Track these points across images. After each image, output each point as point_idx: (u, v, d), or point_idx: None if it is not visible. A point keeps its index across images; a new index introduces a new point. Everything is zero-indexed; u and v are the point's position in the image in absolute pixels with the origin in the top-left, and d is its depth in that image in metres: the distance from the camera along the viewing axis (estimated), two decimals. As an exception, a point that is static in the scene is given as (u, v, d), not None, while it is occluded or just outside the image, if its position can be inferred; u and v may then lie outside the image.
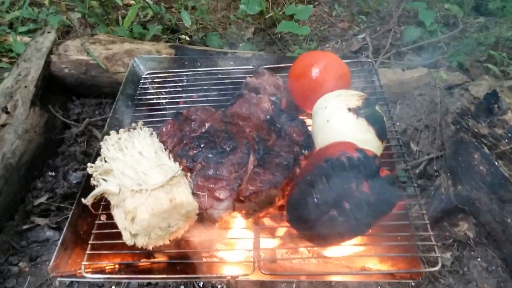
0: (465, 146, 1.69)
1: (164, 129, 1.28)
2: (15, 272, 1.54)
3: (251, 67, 1.60)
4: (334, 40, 2.55)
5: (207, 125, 1.28)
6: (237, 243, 1.18)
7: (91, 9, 2.46)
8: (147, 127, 1.27)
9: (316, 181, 0.97)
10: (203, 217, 1.11)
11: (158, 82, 1.56)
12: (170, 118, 1.30)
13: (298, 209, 0.99)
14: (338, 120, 1.12)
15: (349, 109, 1.13)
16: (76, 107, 2.13)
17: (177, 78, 1.56)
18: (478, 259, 1.56)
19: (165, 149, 1.23)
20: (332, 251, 1.21)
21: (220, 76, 1.56)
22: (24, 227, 1.69)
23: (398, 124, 1.96)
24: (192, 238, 1.12)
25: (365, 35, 2.48)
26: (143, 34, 2.36)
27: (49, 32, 2.19)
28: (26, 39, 2.43)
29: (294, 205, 1.01)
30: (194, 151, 1.21)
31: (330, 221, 0.96)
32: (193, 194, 1.11)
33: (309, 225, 0.98)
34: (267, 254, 1.16)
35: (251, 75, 1.45)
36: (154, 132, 1.26)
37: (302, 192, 0.99)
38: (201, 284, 1.24)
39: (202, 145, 1.22)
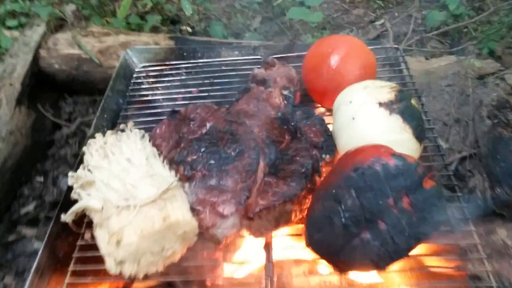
0: (504, 143, 1.48)
1: (157, 131, 1.08)
2: (0, 288, 1.38)
3: (259, 57, 1.40)
4: (349, 28, 2.33)
5: (208, 125, 1.09)
6: (245, 268, 0.99)
7: (86, 0, 2.27)
8: (140, 128, 1.08)
9: (343, 195, 0.78)
10: (204, 237, 0.91)
11: (154, 76, 1.37)
12: (165, 117, 1.10)
13: (320, 231, 0.80)
14: (367, 117, 0.92)
15: (380, 104, 0.92)
16: (68, 106, 1.95)
17: (175, 72, 1.36)
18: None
19: (159, 154, 1.04)
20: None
21: (223, 68, 1.37)
22: (10, 238, 1.52)
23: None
24: (191, 263, 0.93)
25: (384, 21, 2.26)
26: (141, 26, 2.17)
27: (38, 25, 2.01)
28: (17, 34, 2.25)
29: (315, 226, 0.81)
30: (193, 157, 1.02)
31: (362, 246, 0.77)
32: (192, 209, 0.92)
33: (334, 251, 0.79)
34: (282, 278, 0.96)
35: (259, 66, 1.26)
36: (146, 135, 1.07)
37: (325, 209, 0.80)
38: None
39: (202, 149, 1.03)
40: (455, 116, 1.76)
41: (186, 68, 1.37)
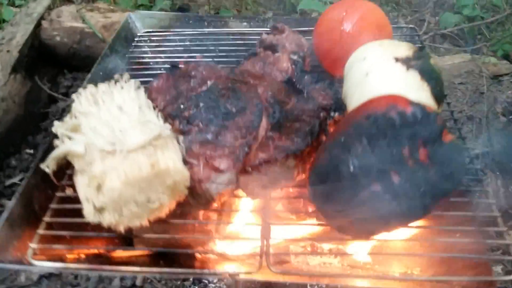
0: (520, 139, 1.40)
1: (154, 84, 1.01)
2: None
3: (268, 29, 1.33)
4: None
5: (209, 83, 1.01)
6: (239, 231, 0.90)
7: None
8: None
9: (352, 143, 0.69)
10: (195, 194, 0.83)
11: (156, 41, 1.30)
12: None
13: (325, 181, 0.71)
14: (382, 73, 0.84)
15: (397, 59, 0.85)
16: (66, 81, 1.88)
17: (179, 37, 1.30)
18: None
19: (154, 108, 0.96)
20: (362, 249, 0.92)
21: (231, 37, 1.30)
22: (-9, 209, 1.43)
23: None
24: (180, 221, 0.84)
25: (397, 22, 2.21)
26: (149, 8, 2.12)
27: (43, -3, 1.96)
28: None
29: (320, 176, 0.72)
30: (191, 111, 0.94)
31: (371, 199, 0.68)
32: (184, 162, 0.83)
33: (340, 205, 0.70)
34: (279, 248, 0.87)
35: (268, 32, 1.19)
36: (142, 87, 0.99)
37: (332, 158, 0.71)
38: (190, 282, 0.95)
39: (201, 104, 0.95)
40: (468, 113, 1.69)
41: (191, 35, 1.30)
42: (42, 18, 1.85)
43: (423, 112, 0.70)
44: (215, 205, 0.85)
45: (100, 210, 0.76)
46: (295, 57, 1.09)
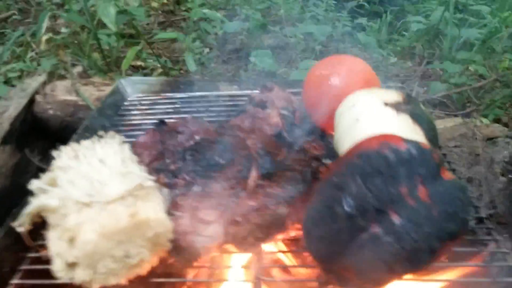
0: (524, 197, 1.35)
1: (140, 139, 0.98)
2: None
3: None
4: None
5: (197, 137, 0.98)
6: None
7: (92, 61, 2.32)
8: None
9: (346, 182, 0.64)
10: (180, 249, 0.76)
11: (147, 104, 1.30)
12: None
13: (319, 225, 0.65)
14: (372, 117, 0.82)
15: (386, 104, 0.83)
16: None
17: (170, 101, 1.30)
18: None
19: (139, 163, 0.92)
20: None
21: (221, 100, 1.30)
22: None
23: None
24: (164, 279, 0.76)
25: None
26: (143, 82, 2.17)
27: (39, 75, 2.01)
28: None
29: (313, 220, 0.66)
30: (177, 165, 0.90)
31: (371, 243, 0.61)
32: (169, 215, 0.77)
33: (337, 250, 0.63)
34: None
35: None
36: (127, 143, 0.96)
37: (325, 199, 0.66)
38: None
39: (188, 158, 0.91)
40: (466, 175, 1.65)
41: (181, 98, 1.30)
42: (36, 93, 1.87)
43: (418, 148, 0.66)
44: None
45: (72, 265, 0.69)
46: (285, 112, 1.07)
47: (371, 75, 1.04)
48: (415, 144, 0.66)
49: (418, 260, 0.61)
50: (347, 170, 0.66)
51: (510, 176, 1.44)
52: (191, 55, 1.96)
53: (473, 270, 0.78)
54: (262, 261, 0.75)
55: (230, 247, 0.78)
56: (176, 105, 1.26)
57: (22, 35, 2.67)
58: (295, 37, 2.61)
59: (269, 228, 0.75)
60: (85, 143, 0.92)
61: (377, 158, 0.65)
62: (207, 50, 2.43)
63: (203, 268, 0.79)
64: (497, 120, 1.96)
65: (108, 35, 2.37)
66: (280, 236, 0.78)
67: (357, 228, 0.62)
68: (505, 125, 1.92)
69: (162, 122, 1.02)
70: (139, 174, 0.81)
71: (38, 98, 1.85)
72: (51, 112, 1.83)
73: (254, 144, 0.94)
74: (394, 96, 0.86)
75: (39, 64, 2.47)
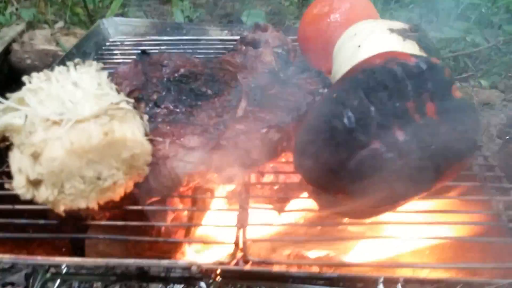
0: (520, 158, 1.30)
1: (120, 69, 0.90)
2: None
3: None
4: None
5: (182, 70, 0.91)
6: (211, 217, 0.74)
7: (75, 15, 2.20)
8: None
9: (347, 97, 0.58)
10: (159, 175, 0.68)
11: (129, 45, 1.21)
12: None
13: (315, 142, 0.58)
14: (376, 43, 0.75)
15: (392, 30, 0.76)
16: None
17: (154, 43, 1.21)
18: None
19: (118, 92, 0.83)
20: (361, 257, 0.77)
21: (210, 43, 1.22)
22: None
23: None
24: (136, 207, 0.68)
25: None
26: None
27: (17, 24, 1.90)
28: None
29: (308, 136, 0.59)
30: (159, 95, 0.82)
31: (372, 159, 0.55)
32: (149, 141, 0.70)
33: (333, 168, 0.57)
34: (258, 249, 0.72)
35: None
36: (105, 71, 0.87)
37: (322, 115, 0.59)
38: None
39: (172, 88, 0.84)
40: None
41: (167, 41, 1.22)
42: (13, 41, 1.77)
43: (428, 62, 0.59)
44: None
45: (34, 183, 0.61)
46: (279, 51, 1.00)
47: (372, 11, 0.97)
48: (425, 58, 0.59)
49: (422, 179, 0.55)
50: (349, 85, 0.59)
51: (506, 137, 1.39)
52: (180, 10, 1.86)
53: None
54: (248, 192, 0.68)
55: (214, 178, 0.71)
56: (161, 47, 1.17)
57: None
58: (290, 2, 2.52)
59: (258, 154, 0.68)
60: (59, 68, 0.84)
61: (382, 73, 0.58)
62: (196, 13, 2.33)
63: (185, 197, 0.72)
64: (494, 87, 1.90)
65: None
66: (270, 164, 0.71)
67: (357, 144, 0.55)
68: (502, 92, 1.87)
69: (144, 52, 0.94)
70: (116, 95, 0.73)
71: (15, 46, 1.74)
72: (28, 61, 1.73)
73: (245, 78, 0.87)
74: (400, 24, 0.79)
75: (19, 18, 2.34)
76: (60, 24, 2.26)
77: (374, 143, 0.55)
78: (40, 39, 1.75)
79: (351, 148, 0.55)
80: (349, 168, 0.55)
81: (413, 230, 0.68)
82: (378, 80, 0.58)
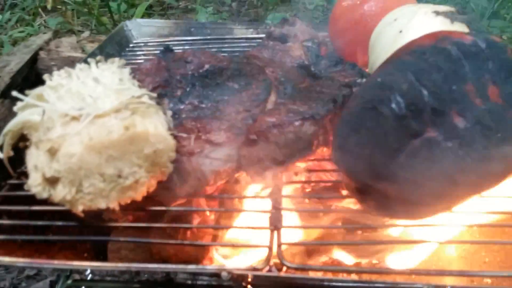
0: None
1: (143, 66, 0.85)
2: None
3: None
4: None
5: (207, 66, 0.85)
6: (241, 219, 0.68)
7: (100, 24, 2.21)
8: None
9: (395, 80, 0.51)
10: (183, 172, 0.63)
11: (152, 46, 1.17)
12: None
13: (359, 131, 0.51)
14: (420, 27, 0.68)
15: (437, 13, 0.69)
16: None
17: (178, 43, 1.17)
18: None
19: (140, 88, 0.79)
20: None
21: (235, 43, 1.17)
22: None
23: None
24: (159, 208, 0.63)
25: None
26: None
27: (44, 33, 1.91)
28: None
29: (350, 125, 0.52)
30: (184, 91, 0.78)
31: (427, 149, 0.48)
32: (173, 137, 0.64)
33: (380, 161, 0.50)
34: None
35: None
36: (128, 67, 0.83)
37: (366, 101, 0.52)
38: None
39: (197, 83, 0.79)
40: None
41: (191, 41, 1.17)
42: (40, 49, 1.77)
43: (488, 41, 0.52)
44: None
45: (51, 181, 0.56)
46: (309, 44, 0.94)
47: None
48: (484, 35, 0.52)
49: (488, 172, 0.48)
50: (395, 68, 0.52)
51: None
52: (204, 18, 1.83)
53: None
54: (281, 192, 0.62)
55: (243, 177, 0.65)
56: (185, 47, 1.13)
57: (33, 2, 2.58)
58: (313, 6, 2.47)
59: (291, 147, 0.61)
60: (80, 65, 0.80)
61: (434, 53, 0.51)
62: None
63: (212, 197, 0.66)
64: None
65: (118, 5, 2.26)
66: (305, 160, 0.65)
67: (409, 132, 0.48)
68: None
69: (168, 48, 0.89)
70: (137, 90, 0.68)
71: (42, 54, 1.74)
72: (55, 68, 1.71)
73: (273, 72, 0.81)
74: (444, 7, 0.71)
75: (46, 28, 2.37)
76: (86, 33, 2.28)
77: (429, 131, 0.48)
78: (66, 47, 1.75)
79: (402, 138, 0.48)
80: (400, 160, 0.48)
81: (469, 232, 0.60)
82: (430, 61, 0.51)
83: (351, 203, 0.67)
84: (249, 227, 0.59)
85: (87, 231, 0.66)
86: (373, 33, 0.79)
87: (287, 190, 0.66)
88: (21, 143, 0.68)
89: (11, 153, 0.68)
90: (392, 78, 0.51)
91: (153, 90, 0.80)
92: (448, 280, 0.62)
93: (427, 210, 0.52)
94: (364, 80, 0.72)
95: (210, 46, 1.14)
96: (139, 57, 1.11)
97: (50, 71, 1.71)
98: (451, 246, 0.68)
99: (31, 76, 1.71)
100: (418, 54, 0.52)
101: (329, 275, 0.62)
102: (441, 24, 0.67)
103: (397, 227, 0.66)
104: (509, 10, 2.21)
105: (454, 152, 0.47)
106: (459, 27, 0.66)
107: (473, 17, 0.69)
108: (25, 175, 0.72)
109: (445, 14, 0.68)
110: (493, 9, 2.12)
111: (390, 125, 0.49)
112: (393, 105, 0.49)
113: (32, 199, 0.61)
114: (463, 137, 0.47)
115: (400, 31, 0.69)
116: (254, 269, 0.50)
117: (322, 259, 0.72)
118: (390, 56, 0.58)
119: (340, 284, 0.55)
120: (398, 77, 0.51)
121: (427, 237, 0.62)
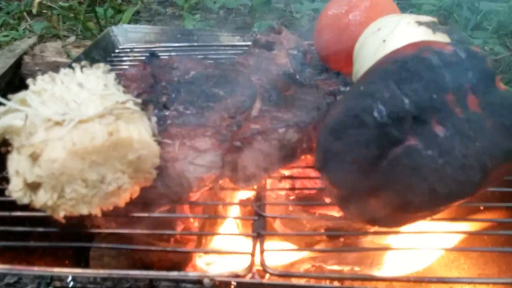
0: None
1: (128, 72, 0.85)
2: None
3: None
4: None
5: (193, 73, 0.86)
6: (225, 226, 0.68)
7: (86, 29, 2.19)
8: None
9: (377, 89, 0.52)
10: (167, 179, 0.62)
11: (138, 52, 1.17)
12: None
13: (341, 138, 0.52)
14: (402, 37, 0.69)
15: (420, 23, 0.70)
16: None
17: (164, 49, 1.17)
18: None
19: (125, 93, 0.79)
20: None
21: (221, 51, 1.17)
22: None
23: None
24: (143, 214, 0.62)
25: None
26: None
27: (29, 37, 1.89)
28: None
29: (333, 133, 0.53)
30: (169, 97, 0.77)
31: (407, 158, 0.48)
32: (157, 143, 0.64)
33: (362, 169, 0.50)
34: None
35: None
36: (113, 74, 0.83)
37: (349, 109, 0.53)
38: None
39: (182, 90, 0.79)
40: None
41: (177, 48, 1.17)
42: (24, 53, 1.75)
43: (468, 51, 0.53)
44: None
45: (33, 186, 0.56)
46: (294, 52, 0.95)
47: (394, 9, 0.92)
48: (464, 46, 0.53)
49: (467, 181, 0.48)
50: (378, 77, 0.53)
51: None
52: (191, 25, 1.83)
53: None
54: (265, 199, 0.62)
55: (227, 183, 0.65)
56: (171, 53, 1.13)
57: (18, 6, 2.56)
58: (300, 15, 2.49)
59: (275, 156, 0.61)
60: (65, 70, 0.79)
61: (416, 62, 0.52)
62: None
63: (196, 204, 0.66)
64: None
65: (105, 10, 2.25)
66: (288, 167, 0.65)
67: (390, 140, 0.49)
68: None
69: (153, 54, 0.89)
70: (122, 95, 0.68)
71: (27, 59, 1.72)
72: (39, 73, 1.69)
73: (259, 80, 0.82)
74: (427, 17, 0.73)
75: (31, 33, 2.34)
76: (72, 38, 2.26)
77: (410, 139, 0.49)
78: (51, 51, 1.73)
79: (384, 145, 0.49)
80: (382, 167, 0.49)
81: (448, 240, 0.61)
82: (412, 71, 0.52)
83: (334, 211, 0.68)
84: (232, 234, 0.59)
85: (68, 238, 0.65)
86: (357, 42, 0.80)
87: (271, 197, 0.66)
88: (2, 148, 0.67)
89: (-8, 158, 0.66)
90: (375, 87, 0.52)
91: (138, 96, 0.80)
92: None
93: (408, 218, 0.52)
94: (348, 88, 0.73)
95: (197, 53, 1.14)
96: (125, 63, 1.10)
97: (34, 76, 1.69)
98: (432, 253, 0.69)
99: (15, 81, 1.69)
100: (400, 63, 0.53)
101: (312, 282, 0.62)
102: (423, 34, 0.68)
103: (379, 235, 0.67)
104: (491, 22, 2.26)
105: (434, 160, 0.48)
106: (441, 37, 0.68)
107: (454, 27, 0.70)
108: (6, 180, 0.71)
109: (427, 25, 0.70)
110: (476, 20, 2.17)
111: (372, 133, 0.49)
112: (375, 113, 0.49)
113: (13, 205, 0.60)
114: (443, 145, 0.48)
115: (384, 41, 0.71)
116: (237, 275, 0.50)
117: (305, 266, 0.72)
118: (373, 65, 0.58)
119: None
120: (380, 86, 0.52)
121: (408, 245, 0.62)
